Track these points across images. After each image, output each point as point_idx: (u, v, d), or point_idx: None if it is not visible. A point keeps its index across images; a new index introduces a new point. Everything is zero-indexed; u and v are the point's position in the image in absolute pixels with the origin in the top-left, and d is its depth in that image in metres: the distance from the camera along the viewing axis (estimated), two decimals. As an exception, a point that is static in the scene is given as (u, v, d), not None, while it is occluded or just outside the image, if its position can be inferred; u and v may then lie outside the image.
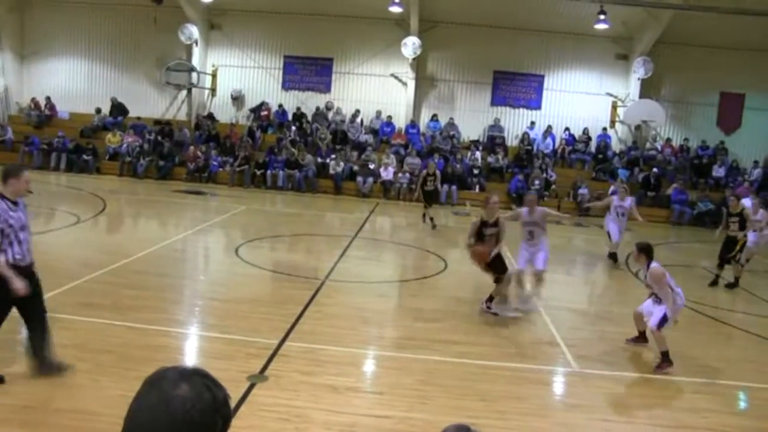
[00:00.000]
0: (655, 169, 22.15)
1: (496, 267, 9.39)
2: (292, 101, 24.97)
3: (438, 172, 17.17)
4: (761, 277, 13.70)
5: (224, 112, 25.17)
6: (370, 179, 21.68)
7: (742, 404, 7.28)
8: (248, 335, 7.56)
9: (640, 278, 10.24)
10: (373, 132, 24.01)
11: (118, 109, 24.70)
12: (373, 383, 6.84)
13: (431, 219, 16.40)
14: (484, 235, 9.24)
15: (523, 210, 10.14)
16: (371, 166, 21.97)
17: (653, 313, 7.79)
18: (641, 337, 8.42)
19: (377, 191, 21.66)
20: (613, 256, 13.70)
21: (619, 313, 9.77)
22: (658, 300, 7.77)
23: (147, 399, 1.48)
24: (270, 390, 6.07)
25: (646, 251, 7.84)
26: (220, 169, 22.20)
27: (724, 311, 10.80)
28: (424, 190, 16.53)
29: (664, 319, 7.58)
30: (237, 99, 25.25)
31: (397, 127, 23.99)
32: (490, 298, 9.38)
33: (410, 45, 22.95)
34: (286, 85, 25.11)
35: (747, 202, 20.52)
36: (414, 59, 23.42)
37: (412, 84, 23.98)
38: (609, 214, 13.84)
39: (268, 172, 21.86)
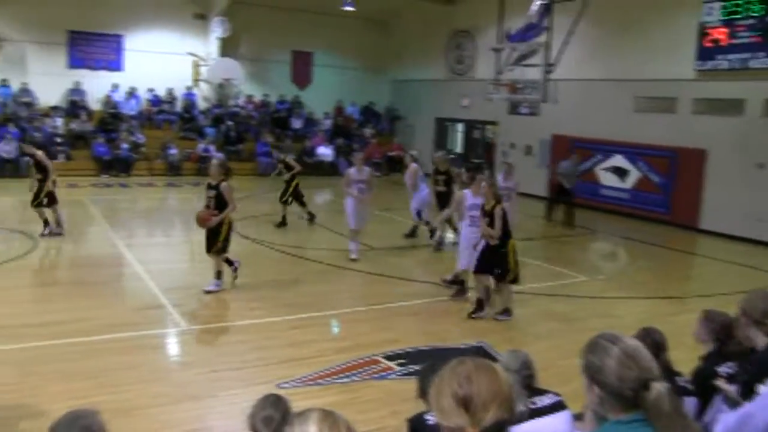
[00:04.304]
0: (231, 122, 22.95)
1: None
2: None
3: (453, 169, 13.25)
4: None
5: None
6: None
7: (335, 329, 8.17)
8: None
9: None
10: None
11: None
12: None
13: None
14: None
15: (352, 169, 11.34)
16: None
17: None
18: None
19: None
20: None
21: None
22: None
23: None
24: None
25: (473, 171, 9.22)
26: None
27: (313, 251, 11.79)
28: (436, 190, 12.77)
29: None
30: None
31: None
32: None
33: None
34: None
35: (324, 150, 22.69)
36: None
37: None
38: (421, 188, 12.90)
39: None
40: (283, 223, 13.73)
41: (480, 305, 8.45)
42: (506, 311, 8.45)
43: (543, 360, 4.55)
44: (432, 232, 12.86)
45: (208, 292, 8.85)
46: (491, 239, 8.22)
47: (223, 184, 8.73)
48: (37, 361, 6.35)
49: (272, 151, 13.88)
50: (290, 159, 14.21)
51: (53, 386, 5.78)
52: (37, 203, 11.87)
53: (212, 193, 8.76)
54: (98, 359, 6.47)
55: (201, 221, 8.83)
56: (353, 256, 11.16)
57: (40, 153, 12.17)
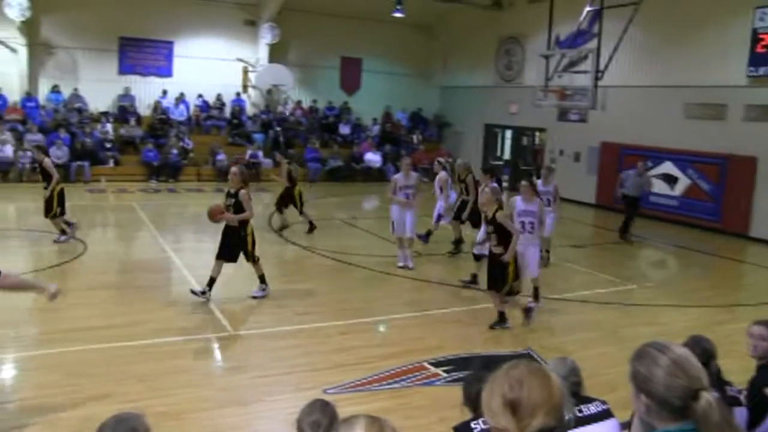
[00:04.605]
0: (279, 128, 23.22)
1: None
2: None
3: (473, 177, 12.09)
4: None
5: None
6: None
7: (382, 336, 8.20)
8: None
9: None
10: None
11: None
12: (14, 390, 6.12)
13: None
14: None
15: (398, 175, 11.20)
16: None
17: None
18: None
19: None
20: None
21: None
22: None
23: None
24: None
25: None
26: None
27: (361, 257, 11.84)
28: (462, 199, 12.33)
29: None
30: None
31: (11, 100, 21.34)
32: None
33: (16, 5, 20.28)
34: None
35: (372, 156, 22.68)
36: (23, 22, 20.87)
37: (23, 51, 21.50)
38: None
39: None
40: (312, 228, 13.78)
41: (502, 317, 8.24)
42: (528, 312, 8.30)
43: (590, 367, 4.51)
44: (428, 234, 12.70)
45: (255, 298, 8.96)
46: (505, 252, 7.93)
47: (242, 192, 8.72)
48: (86, 364, 6.49)
49: (284, 157, 13.95)
50: (293, 170, 14.25)
51: (102, 389, 5.89)
52: (52, 215, 11.63)
53: (231, 200, 8.81)
54: (147, 363, 6.58)
55: (212, 214, 8.81)
56: (400, 264, 11.09)
57: (47, 160, 11.84)
